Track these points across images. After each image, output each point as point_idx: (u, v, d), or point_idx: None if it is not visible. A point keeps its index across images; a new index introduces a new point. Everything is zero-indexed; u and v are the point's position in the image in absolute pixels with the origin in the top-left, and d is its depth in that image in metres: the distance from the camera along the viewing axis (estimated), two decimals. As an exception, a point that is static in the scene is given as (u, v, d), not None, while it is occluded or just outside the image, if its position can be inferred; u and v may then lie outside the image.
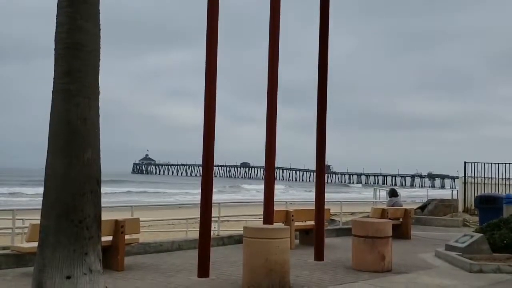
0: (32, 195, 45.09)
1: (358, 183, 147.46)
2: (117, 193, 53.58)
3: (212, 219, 9.33)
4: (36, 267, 4.77)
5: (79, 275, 4.64)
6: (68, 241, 4.67)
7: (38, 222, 4.94)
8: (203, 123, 8.59)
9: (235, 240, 12.08)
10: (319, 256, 10.18)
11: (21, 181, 72.73)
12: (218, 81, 8.65)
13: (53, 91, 4.99)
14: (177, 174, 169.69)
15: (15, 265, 8.79)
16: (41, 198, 4.94)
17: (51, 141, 4.91)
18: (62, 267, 4.62)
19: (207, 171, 8.70)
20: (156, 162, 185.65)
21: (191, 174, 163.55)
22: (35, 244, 4.89)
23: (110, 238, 8.93)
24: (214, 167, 9.43)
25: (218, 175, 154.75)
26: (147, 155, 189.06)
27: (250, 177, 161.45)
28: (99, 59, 5.15)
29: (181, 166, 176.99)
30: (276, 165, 10.30)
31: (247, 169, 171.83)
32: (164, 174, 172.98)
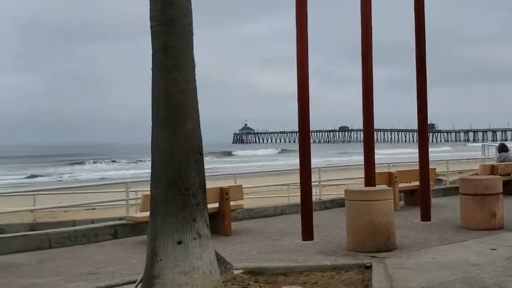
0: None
1: (465, 140, 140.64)
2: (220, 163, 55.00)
3: (313, 183, 9.37)
4: (149, 234, 5.05)
5: (189, 240, 4.87)
6: (176, 208, 4.90)
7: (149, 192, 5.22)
8: (296, 89, 8.57)
9: (337, 203, 12.06)
10: (425, 216, 9.92)
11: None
12: (310, 44, 8.56)
13: (152, 68, 5.19)
14: (275, 142, 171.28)
15: (131, 233, 9.43)
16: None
17: (153, 115, 5.14)
18: (173, 233, 4.87)
19: (303, 137, 8.72)
20: (255, 131, 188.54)
21: (289, 141, 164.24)
22: (148, 213, 5.18)
23: (216, 205, 9.29)
24: (312, 133, 9.42)
25: (317, 141, 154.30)
26: (246, 124, 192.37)
27: (349, 141, 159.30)
28: (192, 33, 5.26)
29: (279, 134, 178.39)
30: (375, 127, 10.08)
31: (346, 133, 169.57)
32: (263, 142, 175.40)
